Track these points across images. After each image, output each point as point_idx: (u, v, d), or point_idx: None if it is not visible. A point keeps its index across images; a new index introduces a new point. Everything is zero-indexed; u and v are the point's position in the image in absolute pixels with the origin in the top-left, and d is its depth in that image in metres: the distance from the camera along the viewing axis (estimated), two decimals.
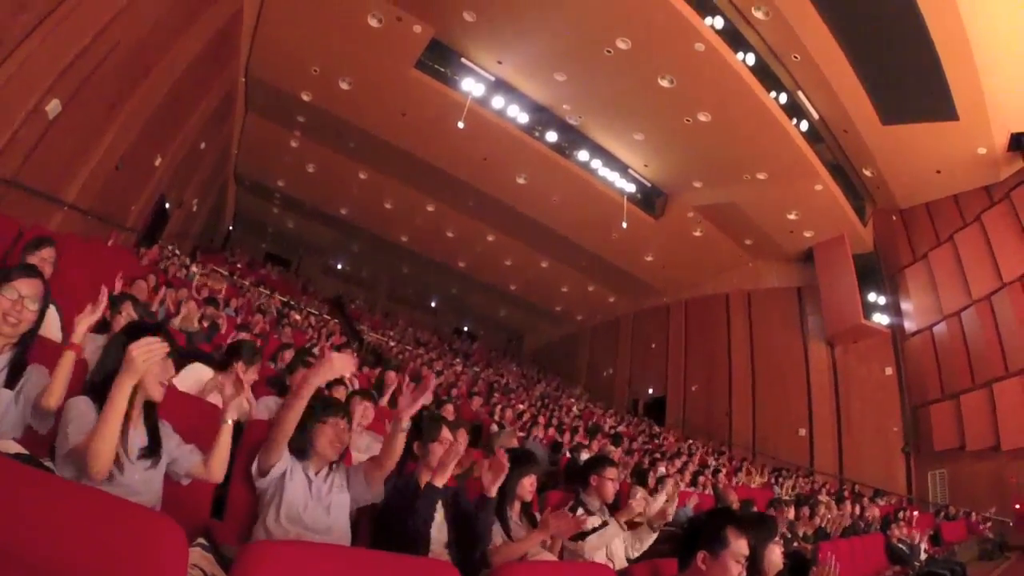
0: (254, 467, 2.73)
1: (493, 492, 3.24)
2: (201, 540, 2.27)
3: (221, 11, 12.83)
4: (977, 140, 15.93)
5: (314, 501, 2.75)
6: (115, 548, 1.49)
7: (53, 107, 8.31)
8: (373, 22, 14.55)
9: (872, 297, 19.93)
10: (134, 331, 2.45)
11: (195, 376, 4.15)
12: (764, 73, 15.58)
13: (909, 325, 19.41)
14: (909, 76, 14.68)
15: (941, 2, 12.65)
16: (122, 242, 12.80)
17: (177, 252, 14.96)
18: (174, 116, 13.23)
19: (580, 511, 3.98)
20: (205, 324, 7.31)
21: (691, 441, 18.30)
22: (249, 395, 4.01)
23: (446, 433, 3.39)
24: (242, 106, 18.51)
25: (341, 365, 2.73)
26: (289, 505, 2.68)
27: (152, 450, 2.42)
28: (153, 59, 10.83)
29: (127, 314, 4.23)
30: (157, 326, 2.57)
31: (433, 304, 33.69)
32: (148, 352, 2.18)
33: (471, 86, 16.54)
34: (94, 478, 2.10)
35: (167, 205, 16.19)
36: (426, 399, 3.15)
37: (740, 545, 2.61)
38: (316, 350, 7.13)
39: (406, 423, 2.92)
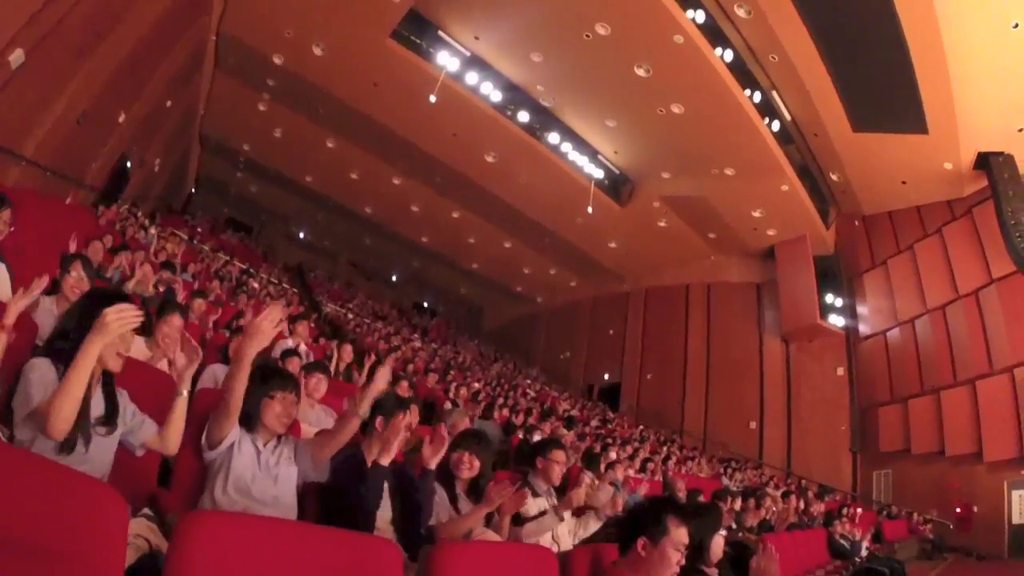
0: (203, 439, 2.69)
1: (432, 464, 3.27)
2: (146, 510, 2.25)
3: None
4: (945, 155, 16.26)
5: (262, 472, 2.72)
6: (55, 518, 1.47)
7: (16, 57, 8.09)
8: None
9: (829, 298, 20.39)
10: (96, 299, 2.39)
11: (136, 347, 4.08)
12: (741, 71, 15.71)
13: (864, 328, 19.88)
14: (884, 86, 14.92)
15: (921, 17, 12.81)
16: (80, 201, 12.52)
17: (136, 213, 14.64)
18: (140, 71, 12.89)
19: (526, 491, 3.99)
20: (161, 289, 7.17)
21: (643, 428, 18.48)
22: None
23: (402, 416, 3.35)
24: (211, 65, 18.11)
25: (270, 328, 2.62)
26: (237, 476, 2.64)
27: (109, 418, 2.38)
28: (121, 10, 10.55)
29: (77, 275, 4.12)
30: (118, 292, 2.51)
31: (394, 278, 33.51)
32: (122, 319, 2.16)
33: (446, 60, 16.41)
34: (53, 437, 2.07)
35: (128, 164, 15.84)
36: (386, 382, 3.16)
37: (680, 533, 2.64)
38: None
39: (364, 411, 2.91)
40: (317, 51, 16.49)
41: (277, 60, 17.21)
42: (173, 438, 2.61)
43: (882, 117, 15.88)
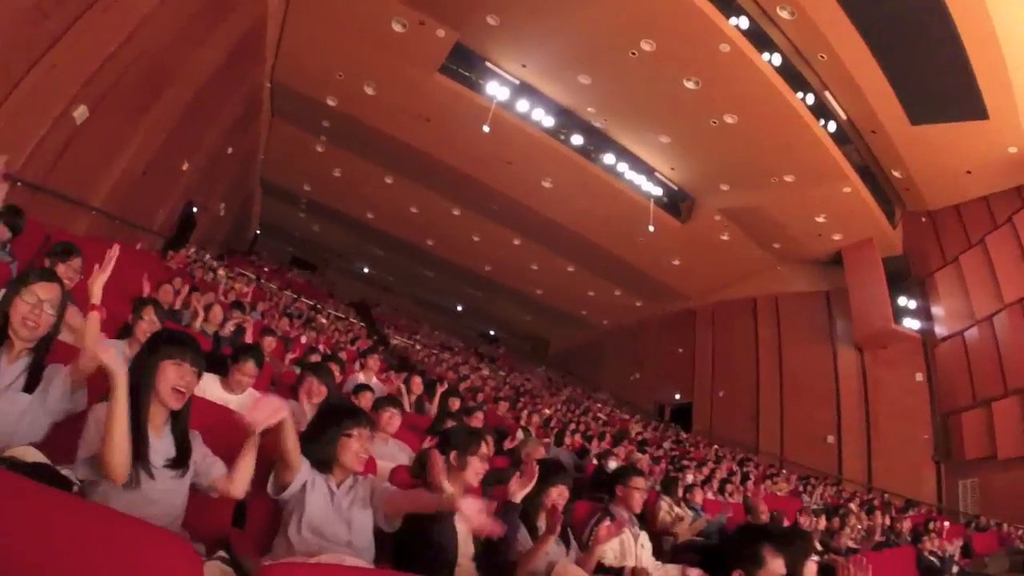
0: (270, 486, 2.68)
1: (518, 499, 3.20)
2: (221, 553, 2.23)
3: (243, 19, 12.92)
4: (1008, 139, 15.58)
5: (335, 515, 2.68)
6: (127, 572, 1.45)
7: (81, 113, 8.41)
8: (397, 27, 14.58)
9: (902, 301, 19.58)
10: (158, 340, 2.44)
11: (211, 390, 4.12)
12: (790, 74, 15.38)
13: (940, 330, 19.08)
14: (938, 75, 14.40)
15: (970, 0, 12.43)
16: (149, 246, 12.91)
17: (204, 256, 15.05)
18: (200, 122, 13.33)
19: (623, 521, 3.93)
20: (231, 328, 7.30)
21: (717, 448, 18.15)
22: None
23: (484, 448, 3.31)
24: (268, 111, 18.64)
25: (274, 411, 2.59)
26: (310, 518, 2.61)
27: (179, 461, 2.39)
28: (177, 66, 10.93)
29: (149, 320, 4.20)
30: (182, 335, 2.54)
31: (459, 308, 33.70)
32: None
33: (495, 90, 16.51)
34: (116, 483, 2.11)
35: (194, 209, 16.32)
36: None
37: (777, 564, 2.55)
38: (341, 353, 7.08)
39: (450, 491, 2.89)
40: (369, 91, 16.79)
41: (331, 102, 17.59)
42: (240, 482, 2.56)
43: (939, 106, 15.33)
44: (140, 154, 11.13)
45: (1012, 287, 16.50)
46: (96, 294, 2.59)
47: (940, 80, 14.53)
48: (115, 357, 2.18)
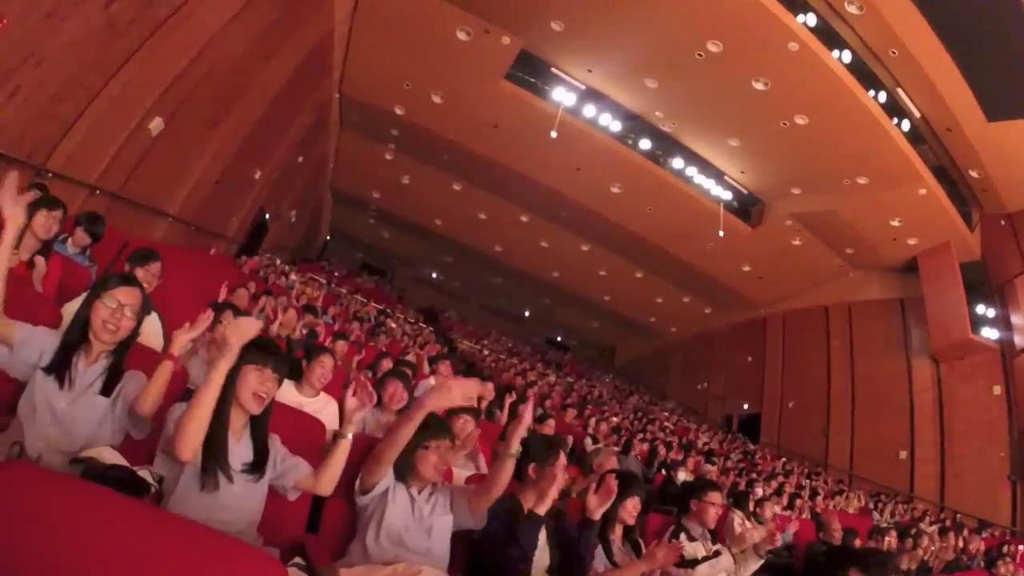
0: (357, 485, 2.70)
1: (597, 516, 3.17)
2: (298, 559, 2.24)
3: (310, 34, 13.21)
4: None
5: (415, 523, 2.70)
6: None
7: (156, 125, 8.69)
8: (462, 36, 14.69)
9: (980, 310, 18.67)
10: (245, 345, 2.47)
11: (287, 394, 4.19)
12: (861, 71, 14.95)
13: (1020, 341, 18.12)
14: (1014, 68, 13.72)
15: None
16: (223, 252, 13.24)
17: (277, 261, 15.39)
18: (271, 132, 13.68)
19: (682, 537, 3.87)
20: (304, 331, 7.41)
21: (785, 460, 17.76)
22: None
23: (563, 459, 3.29)
24: (336, 121, 19.00)
25: (461, 392, 2.69)
26: (389, 525, 2.62)
27: (257, 464, 2.42)
28: (248, 80, 11.21)
29: (227, 323, 4.30)
30: (265, 340, 2.57)
31: (526, 314, 33.76)
32: (237, 329, 2.25)
33: (562, 96, 16.49)
34: (182, 457, 2.14)
35: (266, 216, 16.70)
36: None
37: None
38: (411, 356, 7.13)
39: (515, 449, 2.85)
40: (436, 99, 16.97)
41: (399, 111, 17.82)
42: (329, 479, 2.60)
43: (1017, 101, 14.60)
44: (214, 164, 11.47)
45: None
46: (179, 345, 2.62)
47: (1017, 73, 13.91)
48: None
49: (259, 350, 2.42)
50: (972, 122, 15.49)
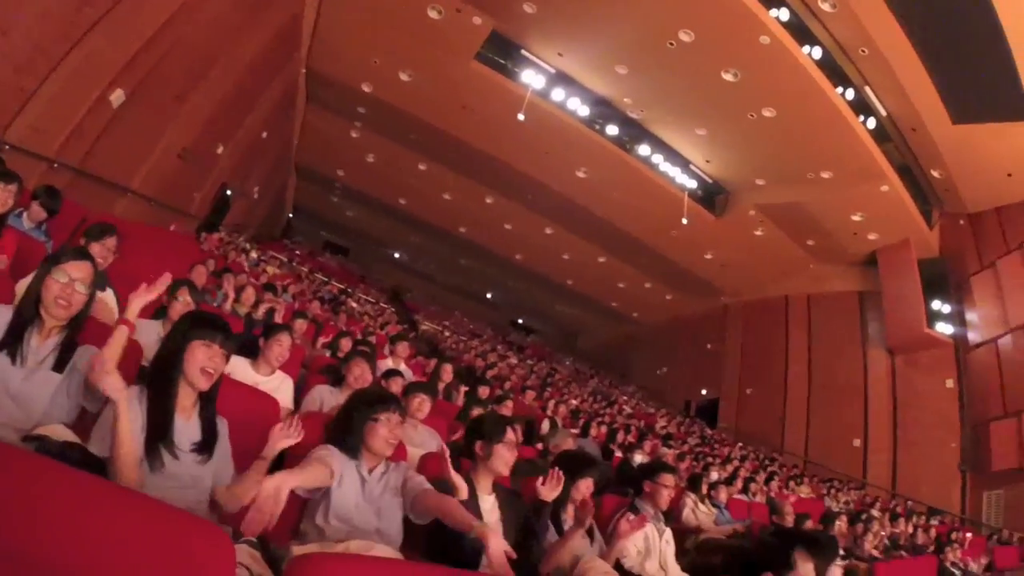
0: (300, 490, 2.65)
1: (550, 498, 3.26)
2: (249, 536, 2.24)
3: (281, 6, 13.03)
4: None
5: (365, 502, 2.69)
6: (160, 558, 1.45)
7: (117, 97, 8.53)
8: (433, 14, 14.58)
9: (936, 305, 19.17)
10: (188, 321, 2.45)
11: (242, 371, 4.16)
12: (831, 68, 15.15)
13: (974, 336, 18.67)
14: (981, 73, 14.05)
15: None
16: (184, 229, 13.06)
17: (238, 238, 15.20)
18: (237, 107, 13.48)
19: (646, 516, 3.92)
20: (263, 309, 7.36)
21: (742, 446, 18.04)
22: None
23: (511, 435, 3.31)
24: (303, 97, 18.72)
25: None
26: (339, 505, 2.61)
27: (205, 445, 2.40)
28: (216, 53, 11.03)
29: (184, 300, 4.26)
30: (213, 316, 2.54)
31: (489, 296, 33.76)
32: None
33: (531, 78, 16.44)
34: (128, 486, 2.08)
35: (229, 193, 16.46)
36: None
37: (807, 569, 2.52)
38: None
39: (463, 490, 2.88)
40: (404, 77, 16.82)
41: (366, 88, 17.63)
42: (235, 498, 2.44)
43: (982, 106, 14.95)
44: (177, 138, 11.29)
45: None
46: (134, 309, 2.58)
47: (984, 79, 14.20)
48: (117, 385, 2.15)
49: (207, 325, 2.41)
50: (937, 123, 15.79)
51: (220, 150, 13.93)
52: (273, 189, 22.52)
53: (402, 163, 21.65)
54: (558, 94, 16.87)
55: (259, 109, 15.11)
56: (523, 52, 16.46)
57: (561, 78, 16.90)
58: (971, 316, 18.86)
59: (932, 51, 14.15)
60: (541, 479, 3.31)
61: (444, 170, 21.53)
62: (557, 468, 3.36)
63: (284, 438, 2.67)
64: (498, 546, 2.42)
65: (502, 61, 16.36)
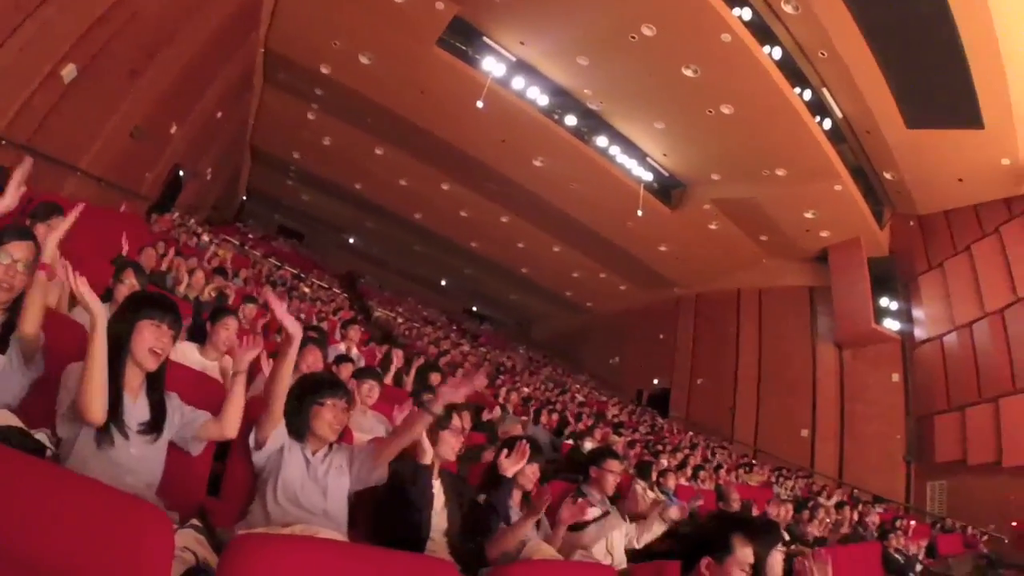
0: (251, 439, 2.69)
1: (511, 473, 3.35)
2: (195, 521, 2.22)
3: None
4: (1002, 151, 15.66)
5: (311, 482, 2.69)
6: (98, 537, 1.45)
7: (69, 72, 8.30)
8: None
9: (884, 302, 19.75)
10: (136, 301, 2.42)
11: (191, 356, 4.11)
12: (790, 68, 15.35)
13: (920, 333, 19.26)
14: (937, 81, 14.41)
15: (974, 9, 12.38)
16: (134, 211, 12.79)
17: (190, 221, 14.93)
18: (192, 86, 13.19)
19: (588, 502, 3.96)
20: (213, 294, 7.25)
21: (692, 435, 18.29)
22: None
23: (456, 421, 3.32)
24: (261, 78, 18.42)
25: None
26: (286, 485, 2.62)
27: (154, 424, 2.39)
28: (172, 29, 10.78)
29: (129, 283, 4.19)
30: (161, 296, 2.52)
31: (444, 284, 33.66)
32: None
33: (492, 66, 16.37)
34: (93, 421, 2.14)
35: (181, 174, 16.14)
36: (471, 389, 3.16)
37: (746, 553, 2.56)
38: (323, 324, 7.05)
39: (438, 410, 2.85)
40: (364, 60, 16.63)
41: (325, 70, 17.39)
42: (232, 419, 2.61)
43: (936, 113, 15.35)
44: (130, 116, 11.00)
45: (995, 297, 16.65)
46: (50, 251, 2.48)
47: (939, 87, 14.55)
48: (93, 294, 2.18)
49: (155, 306, 2.39)
50: (891, 127, 16.16)
51: (173, 129, 13.63)
52: (227, 171, 22.14)
53: (359, 147, 21.41)
54: (518, 83, 16.81)
55: (215, 88, 14.79)
56: (485, 39, 16.36)
57: (522, 67, 16.85)
58: (918, 314, 19.46)
59: (890, 57, 14.42)
60: (505, 452, 3.32)
61: (401, 155, 21.33)
62: (524, 441, 3.39)
63: (249, 350, 2.73)
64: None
65: (463, 47, 16.24)
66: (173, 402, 2.52)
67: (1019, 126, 14.69)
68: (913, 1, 12.91)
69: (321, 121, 20.43)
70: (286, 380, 2.66)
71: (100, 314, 2.18)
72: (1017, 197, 16.81)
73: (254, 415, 2.73)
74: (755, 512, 6.74)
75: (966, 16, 12.58)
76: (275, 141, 22.58)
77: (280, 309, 2.72)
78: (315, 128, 20.91)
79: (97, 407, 2.12)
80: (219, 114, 16.39)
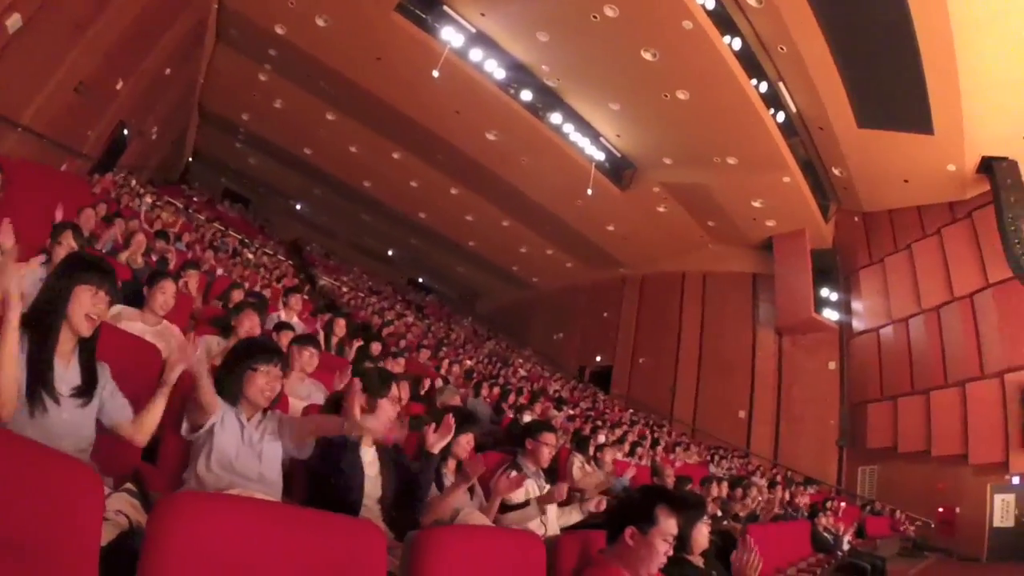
0: (184, 427, 2.67)
1: (436, 449, 3.32)
2: (129, 485, 2.20)
3: None
4: (948, 157, 16.21)
5: (246, 448, 2.69)
6: (24, 496, 1.44)
7: (14, 22, 8.02)
8: None
9: (824, 293, 20.47)
10: (73, 264, 2.37)
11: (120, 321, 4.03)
12: (749, 60, 15.59)
13: (857, 324, 20.00)
14: (892, 84, 14.80)
15: (935, 20, 12.69)
16: (76, 169, 12.41)
17: (132, 182, 14.51)
18: (141, 40, 12.75)
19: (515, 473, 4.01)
20: (153, 258, 7.11)
21: (633, 412, 18.56)
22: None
23: (394, 391, 3.33)
24: (213, 35, 17.93)
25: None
26: (220, 452, 2.61)
27: (85, 389, 2.34)
28: None
29: (67, 244, 4.10)
30: (100, 260, 2.46)
31: (390, 254, 33.39)
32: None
33: (451, 36, 16.17)
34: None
35: (126, 132, 15.67)
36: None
37: (669, 524, 2.64)
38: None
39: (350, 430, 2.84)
40: (320, 23, 16.29)
41: (279, 30, 16.99)
42: (145, 428, 2.52)
43: (888, 115, 15.77)
44: (75, 71, 10.63)
45: (932, 295, 17.41)
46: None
47: (893, 90, 14.96)
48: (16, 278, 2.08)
49: (93, 270, 2.34)
50: (843, 125, 16.61)
51: (120, 85, 13.17)
52: (173, 130, 21.52)
53: (310, 112, 20.98)
54: (476, 54, 16.67)
55: (165, 44, 14.29)
56: (445, 8, 16.15)
57: (481, 38, 16.71)
58: (856, 306, 20.15)
59: (848, 57, 14.72)
60: (432, 426, 3.34)
61: (352, 122, 20.99)
62: (450, 416, 3.41)
63: (182, 361, 2.59)
64: (377, 420, 2.65)
65: (423, 15, 16.00)
66: (105, 373, 2.46)
67: (967, 135, 15.22)
68: (875, 4, 13.17)
69: (273, 83, 19.99)
70: (210, 382, 2.63)
71: (16, 305, 2.08)
72: (960, 202, 17.47)
73: (188, 389, 2.70)
74: (690, 488, 6.87)
75: (926, 24, 12.90)
76: (224, 101, 22.01)
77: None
78: (266, 90, 20.45)
79: (6, 406, 2.04)
80: (168, 71, 15.91)
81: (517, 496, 3.99)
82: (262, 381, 2.80)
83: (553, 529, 4.11)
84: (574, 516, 4.43)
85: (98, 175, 12.41)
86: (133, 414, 2.52)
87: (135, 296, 4.28)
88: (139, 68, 13.71)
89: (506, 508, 3.91)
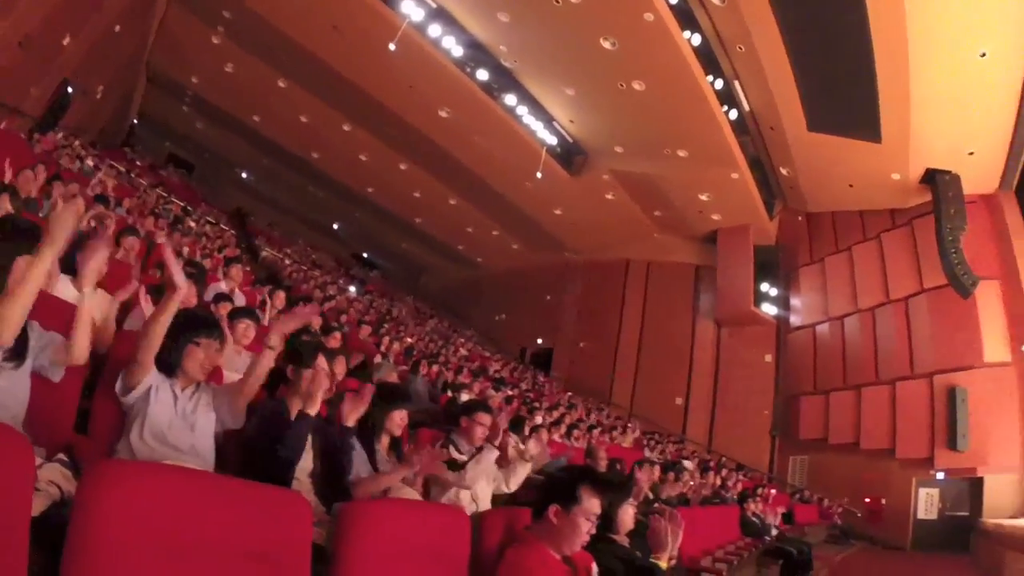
0: (118, 384, 2.65)
1: (351, 422, 3.30)
2: (61, 456, 2.20)
3: None
4: (893, 166, 16.73)
5: (179, 419, 2.68)
6: None
7: None
8: None
9: (765, 287, 20.99)
10: (10, 233, 2.34)
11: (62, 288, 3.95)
12: (706, 56, 15.83)
13: (795, 320, 20.60)
14: (844, 92, 15.15)
15: (892, 32, 12.97)
16: (16, 128, 12.00)
17: (73, 143, 14.05)
18: None
19: (450, 449, 4.05)
20: (92, 223, 6.93)
21: (571, 395, 18.75)
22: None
23: (321, 361, 3.33)
24: None
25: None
26: (153, 423, 2.60)
27: (18, 352, 2.31)
28: None
29: (3, 207, 3.99)
30: (36, 227, 2.43)
31: (336, 228, 33.04)
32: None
33: (411, 9, 15.97)
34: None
35: (70, 91, 15.18)
36: (303, 322, 3.12)
37: (592, 504, 2.71)
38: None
39: (273, 341, 2.86)
40: None
41: None
42: (80, 345, 2.53)
43: (839, 121, 16.16)
44: (19, 24, 10.25)
45: (868, 296, 18.15)
46: None
47: (845, 97, 15.31)
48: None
49: (31, 238, 2.31)
50: (794, 127, 16.99)
51: (66, 41, 12.73)
52: (119, 91, 20.89)
53: (261, 79, 20.52)
54: (434, 30, 16.54)
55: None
56: None
57: (440, 14, 16.55)
58: (795, 302, 20.74)
59: (804, 62, 15.01)
60: (348, 398, 3.35)
61: (304, 92, 20.61)
62: (368, 385, 3.44)
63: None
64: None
65: None
66: (34, 328, 2.44)
67: (913, 147, 15.72)
68: (835, 11, 13.39)
69: (225, 47, 19.50)
70: (160, 332, 2.61)
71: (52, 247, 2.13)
72: (901, 210, 18.13)
73: (124, 357, 2.69)
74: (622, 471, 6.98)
75: (883, 36, 13.21)
76: (174, 63, 21.40)
77: (173, 263, 2.67)
78: (218, 53, 19.95)
79: (12, 334, 2.12)
80: (117, 27, 15.43)
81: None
82: (202, 355, 2.81)
83: (485, 504, 4.18)
84: (520, 470, 4.60)
85: (39, 135, 12.03)
86: (64, 340, 2.53)
87: (68, 262, 4.19)
88: (87, 24, 13.26)
89: (457, 466, 3.97)
